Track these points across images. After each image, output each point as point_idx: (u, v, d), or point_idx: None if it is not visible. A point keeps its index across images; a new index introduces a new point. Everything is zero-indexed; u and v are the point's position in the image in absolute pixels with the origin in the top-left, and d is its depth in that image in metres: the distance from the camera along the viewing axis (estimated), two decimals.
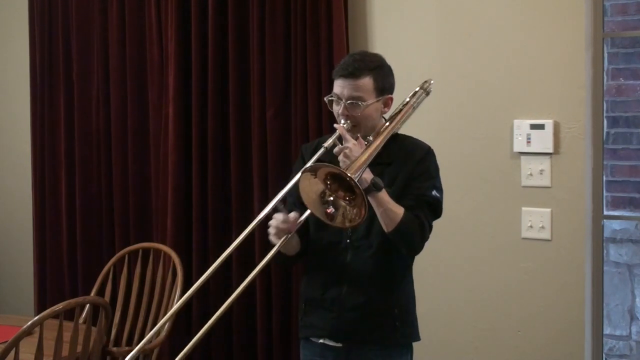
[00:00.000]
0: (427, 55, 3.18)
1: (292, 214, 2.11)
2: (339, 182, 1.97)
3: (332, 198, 1.99)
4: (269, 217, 2.13)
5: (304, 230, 2.23)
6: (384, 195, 2.07)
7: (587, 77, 2.92)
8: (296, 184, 2.01)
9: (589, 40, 2.93)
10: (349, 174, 1.91)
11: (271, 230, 2.11)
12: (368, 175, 2.05)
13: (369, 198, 2.03)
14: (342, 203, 1.99)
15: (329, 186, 1.98)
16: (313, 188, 1.98)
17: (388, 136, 2.17)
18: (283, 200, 2.12)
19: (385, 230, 2.11)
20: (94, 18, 3.89)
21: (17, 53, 4.28)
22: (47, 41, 4.04)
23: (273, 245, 2.12)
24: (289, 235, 2.11)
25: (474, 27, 3.10)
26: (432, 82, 2.41)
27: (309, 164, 2.01)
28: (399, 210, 2.09)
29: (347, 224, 1.99)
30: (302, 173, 1.96)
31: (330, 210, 1.99)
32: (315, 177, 1.96)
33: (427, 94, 2.39)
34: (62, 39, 3.98)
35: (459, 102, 3.12)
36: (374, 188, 2.04)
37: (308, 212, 2.08)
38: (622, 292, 3.90)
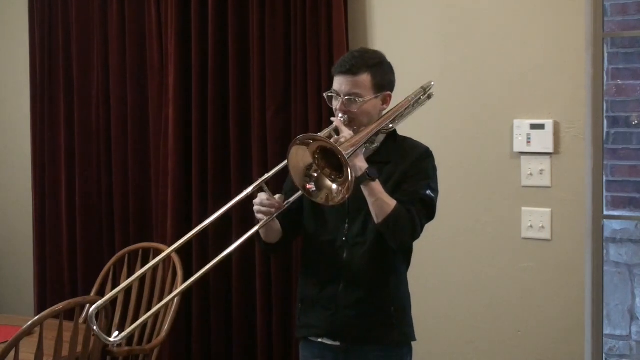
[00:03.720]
0: (427, 55, 3.18)
1: (277, 196, 2.18)
2: (328, 159, 2.00)
3: (316, 174, 2.02)
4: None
5: (288, 220, 2.26)
6: (377, 185, 2.08)
7: (587, 77, 2.92)
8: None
9: (589, 40, 2.93)
10: (339, 148, 1.93)
11: (255, 209, 2.17)
12: (363, 164, 2.06)
13: (362, 187, 2.06)
14: (327, 182, 2.01)
15: (317, 161, 2.01)
16: (302, 159, 2.01)
17: (383, 124, 2.19)
18: (267, 183, 2.16)
19: (376, 220, 2.11)
20: (94, 18, 3.89)
21: (17, 53, 4.28)
22: (47, 41, 4.04)
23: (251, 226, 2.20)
24: (270, 218, 2.16)
25: (474, 27, 3.10)
26: (432, 83, 2.42)
27: (302, 135, 2.03)
28: (391, 202, 2.09)
29: (330, 203, 2.02)
30: (294, 143, 1.98)
31: (311, 186, 2.02)
32: (307, 149, 1.99)
33: (429, 97, 2.40)
34: (62, 39, 3.98)
35: (459, 102, 3.12)
36: (368, 177, 2.06)
37: (293, 198, 2.17)
38: (622, 292, 3.90)
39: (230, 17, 3.46)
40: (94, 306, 2.05)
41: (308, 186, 2.02)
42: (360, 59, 2.18)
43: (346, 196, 1.97)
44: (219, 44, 3.50)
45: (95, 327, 2.01)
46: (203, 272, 2.15)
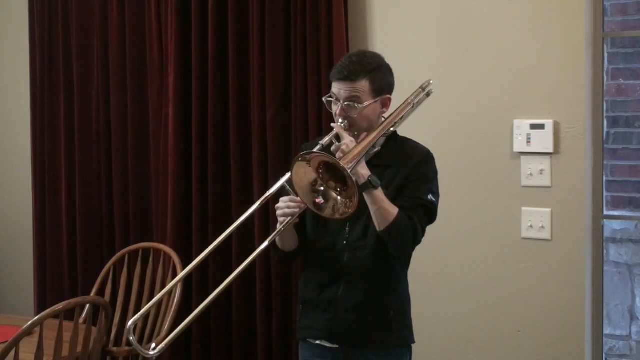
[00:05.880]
0: (427, 55, 3.18)
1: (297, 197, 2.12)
2: (332, 172, 2.00)
3: (322, 188, 2.01)
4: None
5: (301, 228, 2.26)
6: (379, 193, 2.08)
7: (587, 77, 2.92)
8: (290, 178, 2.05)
9: (589, 40, 2.93)
10: (341, 163, 1.93)
11: (280, 212, 2.16)
12: (365, 172, 2.06)
13: (365, 195, 2.05)
14: (333, 194, 2.00)
15: (321, 176, 2.01)
16: (305, 176, 2.00)
17: (384, 131, 2.18)
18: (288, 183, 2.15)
19: (378, 229, 2.11)
20: (94, 18, 3.89)
21: (17, 53, 4.28)
22: (47, 41, 4.04)
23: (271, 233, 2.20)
24: (293, 219, 2.14)
25: (474, 27, 3.10)
26: (431, 82, 2.41)
27: (303, 152, 2.02)
28: (393, 210, 2.09)
29: (337, 216, 2.01)
30: (295, 160, 1.98)
31: (320, 200, 2.01)
32: (309, 166, 1.98)
33: (428, 95, 2.39)
34: (62, 39, 3.98)
35: (459, 102, 3.12)
36: (370, 185, 2.05)
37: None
38: (622, 292, 3.90)
39: (230, 17, 3.46)
40: (131, 320, 2.17)
41: (317, 201, 2.01)
42: (358, 64, 2.15)
43: (350, 210, 1.96)
44: (219, 44, 3.50)
45: (132, 339, 2.13)
46: (227, 282, 2.25)
